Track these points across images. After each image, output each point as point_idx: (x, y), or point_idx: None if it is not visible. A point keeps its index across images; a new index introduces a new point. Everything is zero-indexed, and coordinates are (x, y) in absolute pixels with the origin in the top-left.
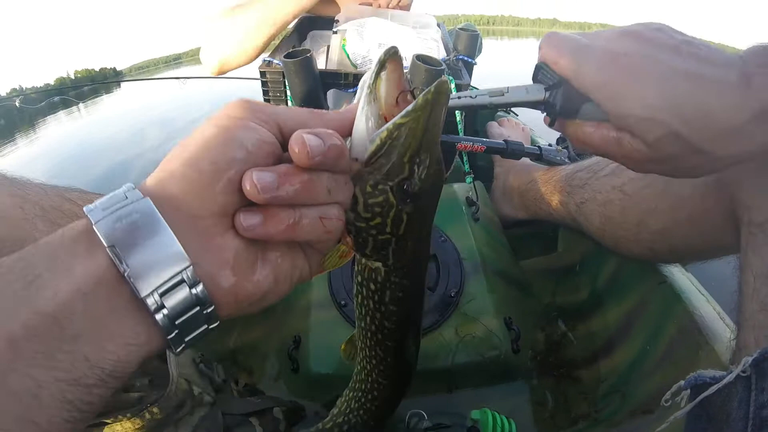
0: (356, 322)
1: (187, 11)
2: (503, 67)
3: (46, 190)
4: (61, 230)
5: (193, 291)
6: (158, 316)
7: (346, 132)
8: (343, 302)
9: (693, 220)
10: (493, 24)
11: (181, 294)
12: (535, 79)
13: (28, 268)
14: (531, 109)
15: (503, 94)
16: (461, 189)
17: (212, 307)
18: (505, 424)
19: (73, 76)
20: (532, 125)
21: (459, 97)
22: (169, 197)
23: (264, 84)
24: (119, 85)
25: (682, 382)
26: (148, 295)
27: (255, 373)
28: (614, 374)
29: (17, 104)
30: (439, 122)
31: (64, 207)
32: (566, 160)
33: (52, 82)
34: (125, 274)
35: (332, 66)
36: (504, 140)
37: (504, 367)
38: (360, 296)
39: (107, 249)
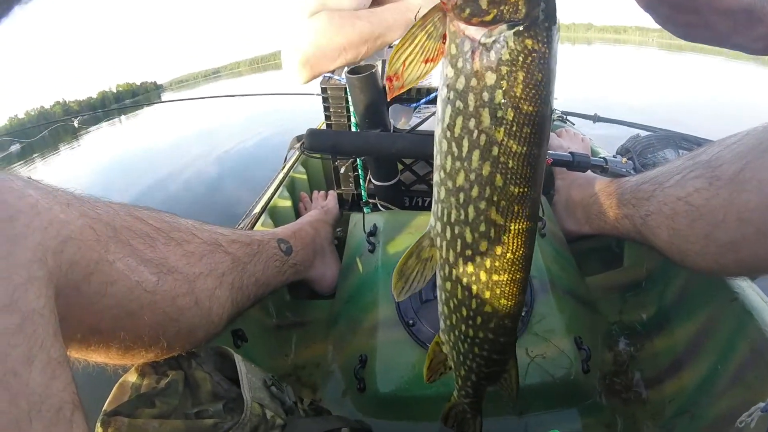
0: (435, 192)
1: (225, 26)
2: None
3: (116, 209)
4: None
5: None
6: None
7: None
8: (411, 322)
9: (762, 234)
10: None
11: None
12: None
13: None
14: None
15: None
16: None
17: None
18: None
19: (114, 90)
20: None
21: None
22: None
23: (325, 100)
24: (160, 98)
25: (761, 404)
26: None
27: (319, 389)
28: (682, 394)
29: (76, 125)
30: None
31: (135, 227)
32: (632, 171)
33: (95, 95)
34: None
35: None
36: (570, 152)
37: (574, 388)
38: (457, 122)
39: None
